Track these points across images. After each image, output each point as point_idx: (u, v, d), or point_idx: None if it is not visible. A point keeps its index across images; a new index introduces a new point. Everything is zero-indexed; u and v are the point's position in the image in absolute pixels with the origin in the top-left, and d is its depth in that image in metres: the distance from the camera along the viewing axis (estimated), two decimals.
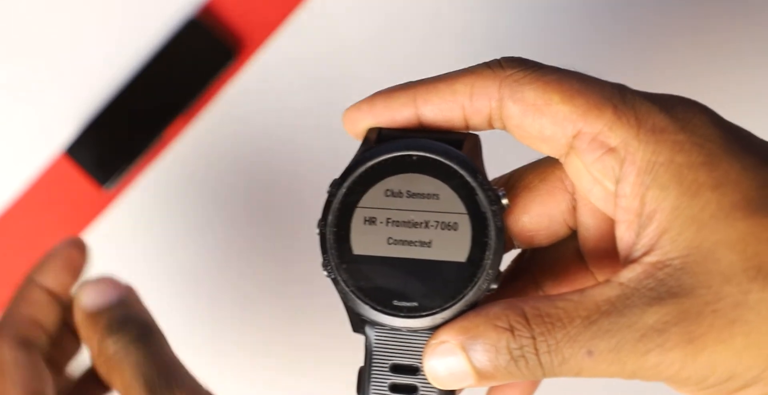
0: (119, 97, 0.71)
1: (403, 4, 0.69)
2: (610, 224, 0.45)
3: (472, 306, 0.44)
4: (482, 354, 0.42)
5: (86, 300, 0.58)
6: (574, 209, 0.46)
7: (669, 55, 0.70)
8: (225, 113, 0.70)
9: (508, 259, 0.48)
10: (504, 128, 0.45)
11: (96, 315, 0.58)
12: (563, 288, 0.47)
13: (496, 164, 0.48)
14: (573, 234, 0.47)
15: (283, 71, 0.70)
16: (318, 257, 0.45)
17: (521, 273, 0.48)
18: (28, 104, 0.70)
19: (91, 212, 0.73)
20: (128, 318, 0.58)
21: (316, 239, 0.46)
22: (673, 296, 0.41)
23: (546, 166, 0.46)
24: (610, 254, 0.46)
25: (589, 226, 0.46)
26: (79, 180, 0.72)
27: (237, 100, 0.70)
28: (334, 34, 0.69)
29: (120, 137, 0.71)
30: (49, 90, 0.70)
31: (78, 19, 0.69)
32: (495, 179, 0.47)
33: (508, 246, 0.47)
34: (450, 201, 0.45)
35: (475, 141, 0.46)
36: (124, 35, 0.70)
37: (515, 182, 0.47)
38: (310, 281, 0.71)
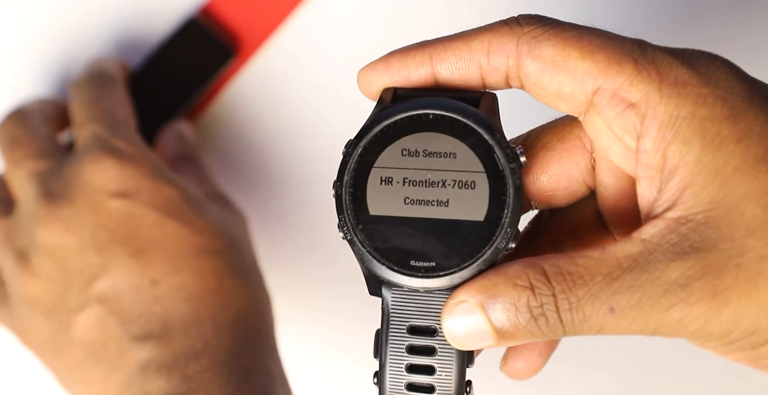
0: None
1: (402, 4, 0.69)
2: (630, 182, 0.45)
3: (491, 266, 0.43)
4: (502, 313, 0.42)
5: None
6: (593, 168, 0.46)
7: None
8: (224, 113, 0.70)
9: (525, 220, 0.47)
10: (521, 86, 0.45)
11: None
12: (582, 249, 0.46)
13: (513, 125, 0.48)
14: (591, 194, 0.46)
15: (282, 71, 0.70)
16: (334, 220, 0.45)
17: (539, 234, 0.48)
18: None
19: None
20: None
21: (332, 202, 0.45)
22: (697, 250, 0.40)
23: (564, 124, 0.46)
24: (629, 214, 0.45)
25: (608, 185, 0.45)
26: None
27: (236, 100, 0.70)
28: (334, 35, 0.69)
29: None
30: (48, 90, 0.69)
31: (77, 19, 0.69)
32: (512, 139, 0.47)
33: (525, 207, 0.47)
34: (467, 160, 0.44)
35: (492, 99, 0.45)
36: (123, 35, 0.69)
37: (533, 141, 0.46)
38: (319, 283, 0.71)
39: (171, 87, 0.69)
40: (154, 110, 0.68)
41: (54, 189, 0.61)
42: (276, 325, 0.64)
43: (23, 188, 0.62)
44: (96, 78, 0.65)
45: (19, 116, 0.65)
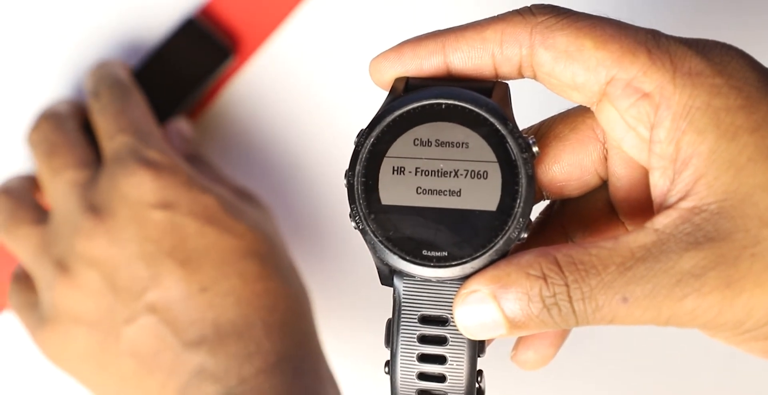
0: None
1: (402, 4, 0.69)
2: (643, 173, 0.45)
3: (503, 255, 0.43)
4: (514, 303, 0.42)
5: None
6: (605, 158, 0.45)
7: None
8: (223, 113, 0.70)
9: (537, 211, 0.47)
10: (534, 76, 0.45)
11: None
12: (594, 239, 0.46)
13: (525, 116, 0.47)
14: (604, 185, 0.46)
15: (281, 71, 0.70)
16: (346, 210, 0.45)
17: (551, 225, 0.48)
18: (26, 104, 0.69)
19: None
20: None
21: (344, 191, 0.45)
22: (711, 240, 0.40)
23: (577, 115, 0.46)
24: (642, 205, 0.45)
25: (621, 176, 0.45)
26: None
27: (235, 100, 0.70)
28: (333, 35, 0.69)
29: None
30: (48, 90, 0.69)
31: (76, 20, 0.69)
32: (524, 130, 0.47)
33: (537, 197, 0.47)
34: (480, 149, 0.44)
35: (505, 89, 0.45)
36: (122, 35, 0.69)
37: (545, 131, 0.46)
38: (324, 279, 0.71)
39: (170, 87, 0.69)
40: (153, 110, 0.68)
41: (95, 202, 0.62)
42: (316, 324, 0.64)
43: (63, 199, 0.63)
44: (115, 88, 0.65)
45: (56, 120, 0.65)
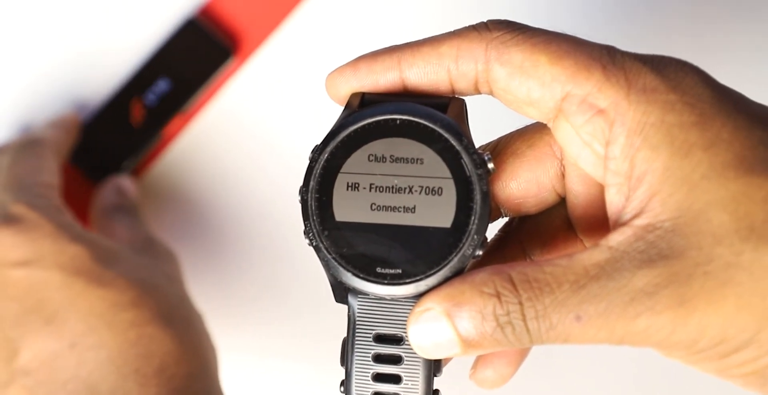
0: (118, 97, 0.71)
1: (401, 4, 0.69)
2: (599, 189, 0.44)
3: (458, 273, 0.43)
4: (468, 321, 0.41)
5: None
6: (562, 175, 0.45)
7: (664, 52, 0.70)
8: (223, 112, 0.70)
9: (495, 228, 0.47)
10: (490, 92, 0.44)
11: None
12: (552, 256, 0.46)
13: (482, 132, 0.47)
14: (561, 202, 0.46)
15: (281, 71, 0.70)
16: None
17: (509, 242, 0.47)
18: (26, 105, 0.69)
19: (88, 213, 0.72)
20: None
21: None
22: (664, 258, 0.40)
23: (534, 132, 0.45)
24: (599, 221, 0.45)
25: (578, 192, 0.45)
26: (77, 180, 0.71)
27: (235, 100, 0.70)
28: (333, 34, 0.69)
29: (118, 137, 0.71)
30: (47, 90, 0.69)
31: (76, 20, 0.69)
32: (481, 146, 0.46)
33: (495, 215, 0.46)
34: (434, 166, 0.43)
35: (461, 105, 0.45)
36: (122, 35, 0.69)
37: (502, 148, 0.46)
38: (308, 279, 0.71)
39: (170, 87, 0.69)
40: (153, 110, 0.68)
41: None
42: (215, 360, 0.63)
43: None
44: (18, 144, 0.65)
45: None
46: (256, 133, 0.70)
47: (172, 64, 0.69)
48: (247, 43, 0.70)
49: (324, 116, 0.69)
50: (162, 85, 0.70)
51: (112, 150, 0.71)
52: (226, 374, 0.65)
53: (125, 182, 0.68)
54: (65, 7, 0.69)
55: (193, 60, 0.69)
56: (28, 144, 0.65)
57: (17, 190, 0.62)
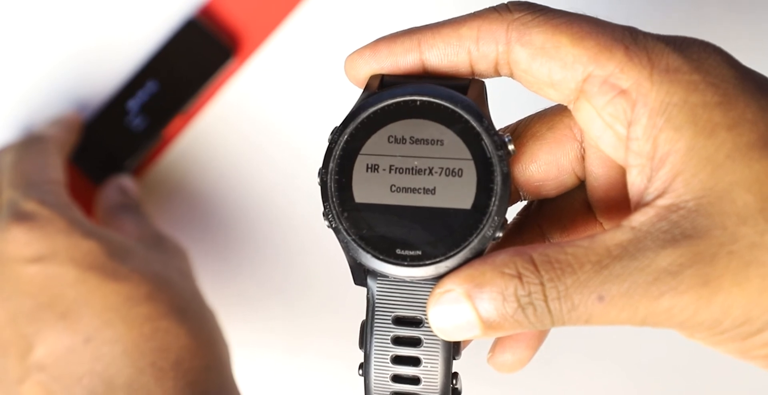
0: (118, 97, 0.70)
1: (401, 4, 0.69)
2: (620, 172, 0.44)
3: (478, 254, 0.43)
4: (489, 303, 0.41)
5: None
6: (582, 158, 0.45)
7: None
8: (224, 112, 0.70)
9: (514, 211, 0.47)
10: (511, 74, 0.44)
11: None
12: (571, 239, 0.46)
13: (502, 115, 0.47)
14: (581, 185, 0.46)
15: (281, 71, 0.70)
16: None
17: (528, 225, 0.47)
18: (27, 105, 0.69)
19: (90, 213, 0.71)
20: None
21: (318, 191, 0.44)
22: (688, 238, 0.40)
23: (554, 114, 0.45)
24: (619, 204, 0.45)
25: (598, 175, 0.45)
26: (76, 180, 0.71)
27: (236, 100, 0.70)
28: (333, 34, 0.69)
29: (119, 137, 0.71)
30: (47, 90, 0.69)
31: (76, 20, 0.69)
32: (501, 129, 0.46)
33: (514, 198, 0.46)
34: (455, 147, 0.43)
35: (481, 87, 0.44)
36: (123, 36, 0.69)
37: (522, 130, 0.45)
38: (311, 278, 0.71)
39: (170, 87, 0.69)
40: (153, 110, 0.67)
41: None
42: (228, 354, 0.62)
43: None
44: (22, 143, 0.65)
45: None
46: (257, 133, 0.70)
47: (172, 64, 0.69)
48: (247, 43, 0.69)
49: (324, 115, 0.69)
50: (162, 85, 0.70)
51: (113, 150, 0.71)
52: (238, 369, 0.65)
53: (127, 182, 0.69)
54: (66, 8, 0.69)
55: (193, 60, 0.69)
56: (31, 142, 0.65)
57: (26, 187, 0.62)
